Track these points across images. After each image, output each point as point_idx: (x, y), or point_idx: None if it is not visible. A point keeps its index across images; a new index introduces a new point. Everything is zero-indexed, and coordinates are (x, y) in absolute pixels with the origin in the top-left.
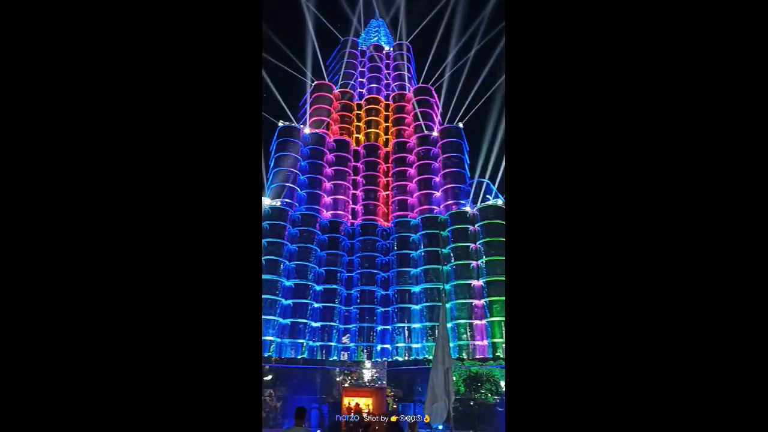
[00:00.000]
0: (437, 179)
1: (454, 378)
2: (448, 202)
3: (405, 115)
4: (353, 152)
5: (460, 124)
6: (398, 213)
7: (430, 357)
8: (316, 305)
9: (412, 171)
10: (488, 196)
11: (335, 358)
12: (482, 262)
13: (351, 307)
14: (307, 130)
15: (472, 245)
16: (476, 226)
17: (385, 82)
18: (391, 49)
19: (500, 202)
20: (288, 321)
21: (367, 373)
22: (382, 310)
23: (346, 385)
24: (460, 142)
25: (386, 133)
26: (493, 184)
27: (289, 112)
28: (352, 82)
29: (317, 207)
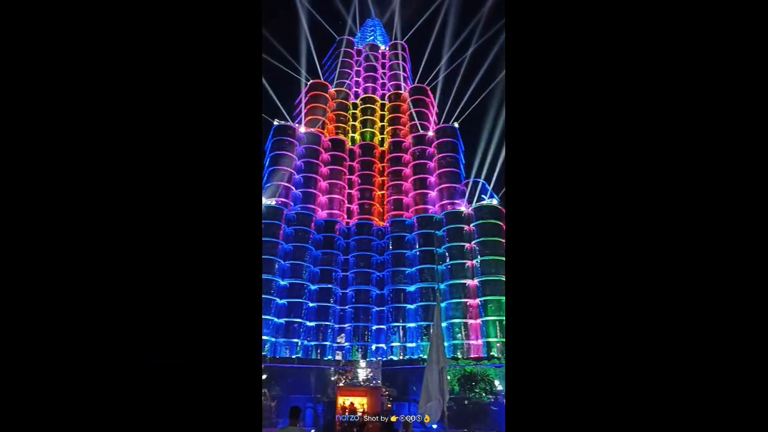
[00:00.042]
0: (432, 179)
1: (448, 377)
2: (444, 202)
3: (400, 115)
4: (349, 151)
5: (456, 124)
6: (393, 212)
7: (425, 356)
8: (311, 305)
9: (407, 170)
10: (483, 195)
11: (330, 357)
12: (477, 261)
13: (346, 307)
14: (302, 129)
15: (467, 245)
16: (471, 225)
17: (381, 81)
18: (387, 48)
19: (495, 201)
20: (283, 320)
21: (362, 373)
22: (377, 309)
23: (341, 384)
24: (455, 142)
25: (382, 133)
26: (488, 184)
27: (284, 111)
28: (347, 81)
29: (312, 206)
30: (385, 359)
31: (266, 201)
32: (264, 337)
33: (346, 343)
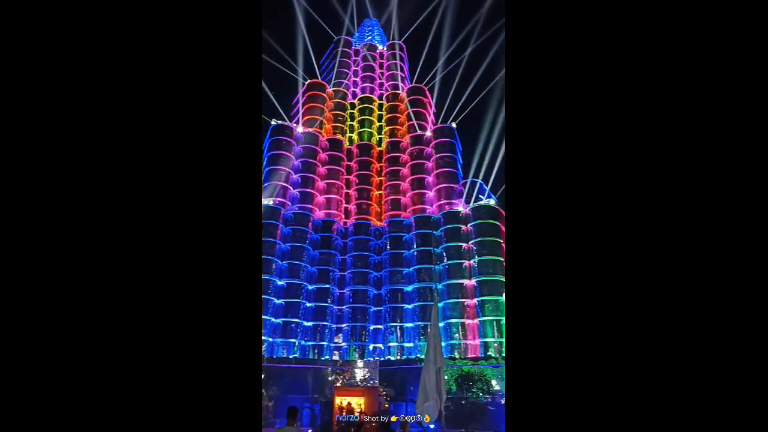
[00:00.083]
0: (430, 179)
1: (446, 377)
2: (441, 202)
3: (398, 115)
4: (346, 151)
5: (453, 124)
6: (391, 212)
7: (423, 356)
8: (308, 305)
9: (405, 170)
10: (481, 195)
11: (327, 357)
12: (474, 261)
13: (343, 307)
14: (300, 129)
15: (464, 245)
16: (469, 225)
17: (379, 81)
18: (385, 48)
19: (493, 201)
20: (280, 320)
21: (359, 373)
22: (375, 309)
23: (338, 384)
24: (453, 142)
25: (379, 133)
26: (486, 184)
27: (281, 111)
28: (345, 81)
29: (310, 206)
30: (382, 359)
31: (264, 201)
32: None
33: (344, 343)
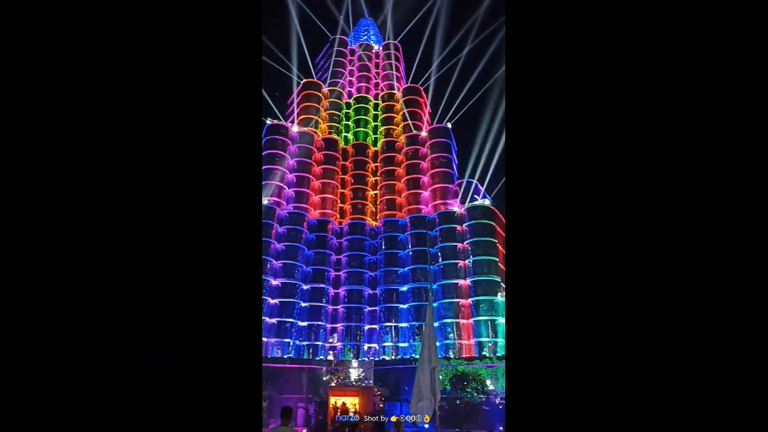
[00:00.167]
0: (425, 179)
1: (440, 377)
2: (436, 202)
3: (394, 115)
4: (342, 151)
5: (449, 124)
6: (386, 212)
7: (417, 356)
8: (303, 304)
9: (400, 170)
10: (476, 196)
11: (322, 357)
12: (469, 261)
13: (338, 307)
14: (295, 128)
15: (459, 245)
16: (464, 225)
17: (374, 81)
18: (381, 48)
19: (488, 202)
20: (275, 320)
21: (354, 373)
22: (370, 309)
23: (333, 384)
24: (448, 142)
25: (375, 132)
26: (481, 184)
27: (276, 110)
28: (341, 81)
29: (305, 205)
30: (377, 359)
31: None
32: None
33: (339, 343)
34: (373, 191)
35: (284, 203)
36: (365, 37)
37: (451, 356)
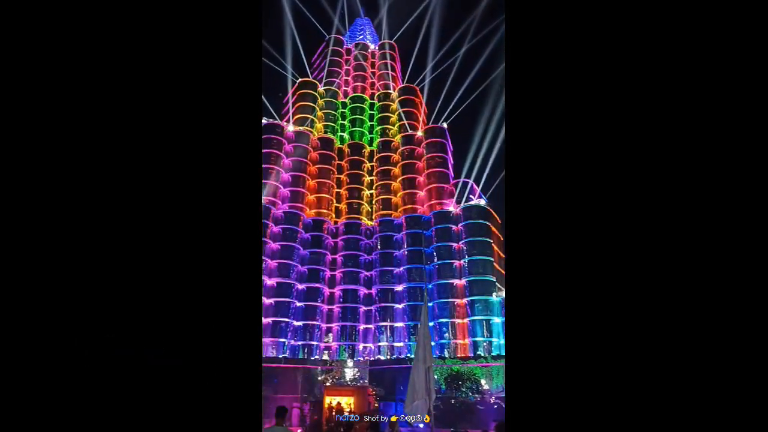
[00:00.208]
0: (421, 179)
1: (435, 376)
2: (432, 202)
3: (390, 114)
4: (337, 150)
5: (445, 124)
6: (382, 212)
7: (412, 356)
8: (298, 304)
9: (396, 170)
10: (471, 196)
11: (317, 357)
12: (465, 261)
13: (333, 306)
14: (291, 128)
15: (455, 245)
16: (459, 225)
17: (370, 80)
18: (377, 47)
19: (483, 202)
20: (270, 320)
21: (349, 372)
22: (365, 309)
23: (328, 384)
24: (444, 142)
25: (371, 132)
26: (477, 185)
27: (272, 109)
28: (336, 80)
29: (301, 205)
30: (372, 359)
31: None
32: None
33: (334, 343)
34: (368, 191)
35: (280, 202)
36: (361, 37)
37: (446, 356)
